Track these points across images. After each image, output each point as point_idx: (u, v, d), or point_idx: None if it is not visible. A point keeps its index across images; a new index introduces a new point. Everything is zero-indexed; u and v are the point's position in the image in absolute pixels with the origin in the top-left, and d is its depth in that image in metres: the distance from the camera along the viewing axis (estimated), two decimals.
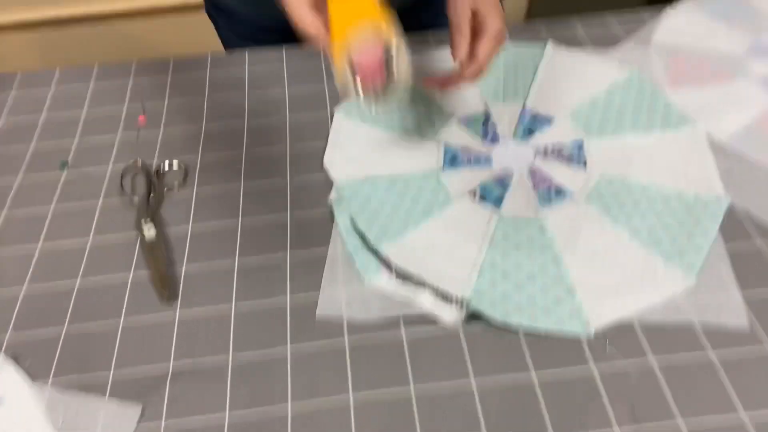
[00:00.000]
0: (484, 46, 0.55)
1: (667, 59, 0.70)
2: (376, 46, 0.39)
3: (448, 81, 0.59)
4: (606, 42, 0.73)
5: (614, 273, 0.52)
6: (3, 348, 0.51)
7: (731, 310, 0.50)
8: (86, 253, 0.57)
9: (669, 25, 0.74)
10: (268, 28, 0.78)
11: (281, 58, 0.75)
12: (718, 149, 0.61)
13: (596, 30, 0.75)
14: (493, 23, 0.55)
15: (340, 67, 0.39)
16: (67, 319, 0.52)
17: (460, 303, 0.51)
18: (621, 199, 0.57)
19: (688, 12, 0.75)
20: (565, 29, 0.75)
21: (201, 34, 1.67)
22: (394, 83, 0.40)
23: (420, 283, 0.52)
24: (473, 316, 0.50)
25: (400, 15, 0.67)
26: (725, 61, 0.69)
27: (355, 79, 0.39)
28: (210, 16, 0.87)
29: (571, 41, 0.74)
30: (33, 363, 0.49)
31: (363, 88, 0.40)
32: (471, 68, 0.56)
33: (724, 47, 0.71)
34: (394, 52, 0.39)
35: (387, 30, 0.39)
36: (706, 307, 0.50)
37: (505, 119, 0.65)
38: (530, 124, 0.65)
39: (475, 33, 0.55)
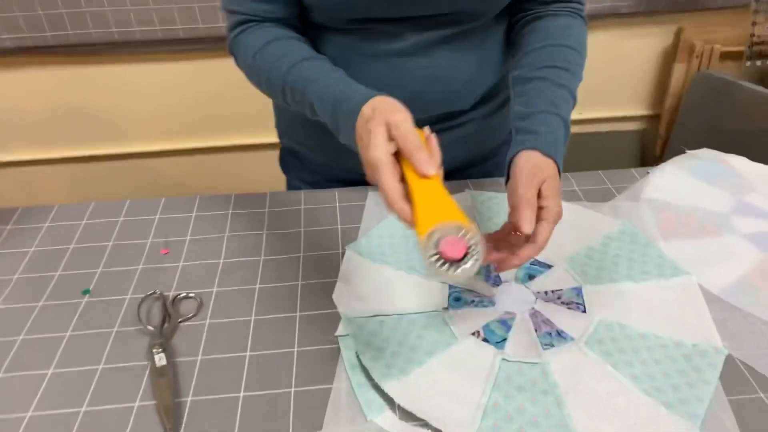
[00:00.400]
0: (545, 229, 0.57)
1: (657, 214, 0.75)
2: (462, 243, 0.46)
3: (506, 261, 0.58)
4: (598, 197, 0.80)
5: (617, 420, 0.52)
6: None
7: None
8: (95, 379, 0.58)
9: (656, 183, 0.80)
10: (336, 179, 0.85)
11: (300, 200, 0.81)
12: (712, 300, 0.64)
13: (589, 185, 0.82)
14: (555, 206, 0.57)
15: (424, 246, 0.46)
16: None
17: None
18: (620, 345, 0.59)
19: (672, 171, 0.82)
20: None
21: (225, 173, 1.79)
22: (467, 269, 0.47)
23: (423, 424, 0.52)
24: None
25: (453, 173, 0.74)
26: (712, 218, 0.74)
27: (436, 259, 0.46)
28: (282, 163, 0.95)
29: (566, 195, 0.80)
30: None
31: (440, 269, 0.47)
32: (529, 249, 0.57)
33: (709, 205, 0.76)
34: (473, 249, 0.47)
35: (472, 231, 0.47)
36: None
37: None
38: (530, 270, 0.68)
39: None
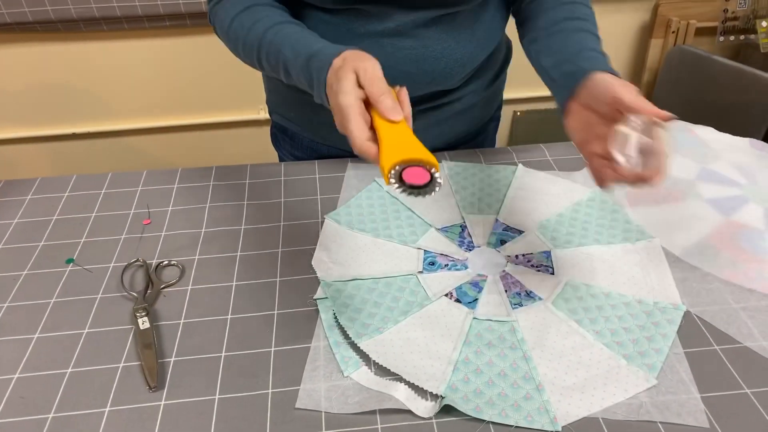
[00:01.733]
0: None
1: None
2: (424, 171, 0.49)
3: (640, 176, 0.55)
4: (570, 166, 0.82)
5: (580, 372, 0.55)
6: None
7: (692, 410, 0.52)
8: (81, 342, 0.60)
9: None
10: (324, 156, 0.87)
11: (280, 172, 0.82)
12: (673, 261, 0.67)
13: (561, 155, 0.84)
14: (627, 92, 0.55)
15: (388, 178, 0.49)
16: (55, 406, 0.54)
17: (435, 397, 0.53)
18: (586, 303, 0.62)
19: None
20: (534, 154, 0.84)
21: (207, 150, 1.79)
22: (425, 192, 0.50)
23: (397, 378, 0.55)
24: (446, 408, 0.52)
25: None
26: (677, 184, 0.77)
27: (401, 190, 0.49)
28: (273, 139, 0.96)
29: (539, 164, 0.82)
30: None
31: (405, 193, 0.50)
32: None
33: (675, 173, 0.79)
34: (435, 175, 0.50)
35: (433, 164, 0.50)
36: (668, 407, 0.53)
37: (479, 229, 0.71)
38: (502, 235, 0.71)
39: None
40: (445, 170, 0.81)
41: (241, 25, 0.68)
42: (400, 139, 0.51)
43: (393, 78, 0.56)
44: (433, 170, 0.49)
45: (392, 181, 0.49)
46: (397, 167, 0.49)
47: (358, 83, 0.53)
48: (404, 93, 0.55)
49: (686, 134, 0.87)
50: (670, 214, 0.73)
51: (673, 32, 1.61)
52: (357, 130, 0.51)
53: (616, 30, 1.70)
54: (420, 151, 0.50)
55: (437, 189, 0.49)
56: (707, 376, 0.55)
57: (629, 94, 0.54)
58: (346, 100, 0.52)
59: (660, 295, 0.63)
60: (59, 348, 0.59)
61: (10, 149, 1.72)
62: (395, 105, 0.52)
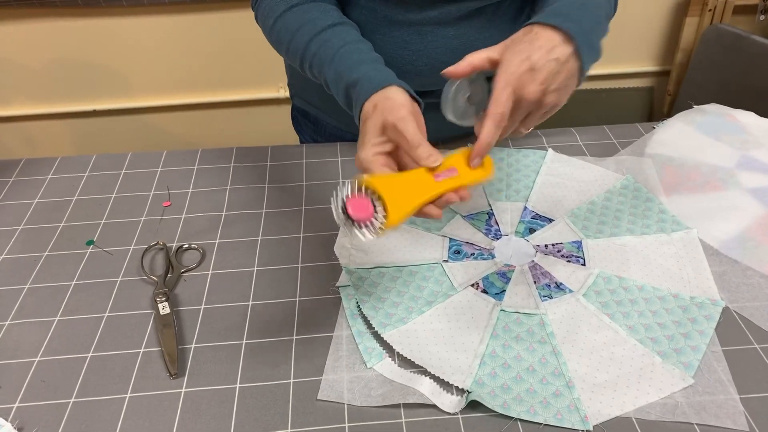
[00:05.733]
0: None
1: (661, 168, 0.75)
2: (364, 201, 0.48)
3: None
4: (602, 152, 0.79)
5: (612, 369, 0.53)
6: (10, 417, 0.51)
7: (730, 412, 0.50)
8: (101, 327, 0.59)
9: (661, 138, 0.79)
10: (350, 141, 0.84)
11: (301, 154, 0.80)
12: (711, 254, 0.64)
13: (593, 140, 0.81)
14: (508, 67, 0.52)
15: (336, 212, 0.48)
16: (76, 390, 0.53)
17: (461, 392, 0.52)
18: (618, 296, 0.59)
19: (678, 126, 0.81)
20: (564, 138, 0.81)
21: (229, 128, 1.78)
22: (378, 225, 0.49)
23: (421, 371, 0.53)
24: (472, 403, 0.51)
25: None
26: (716, 172, 0.74)
27: (348, 222, 0.48)
28: (294, 122, 0.95)
29: (570, 149, 0.79)
30: None
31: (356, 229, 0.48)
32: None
33: (713, 160, 0.76)
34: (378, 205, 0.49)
35: (372, 186, 0.49)
36: (705, 408, 0.50)
37: (507, 217, 0.69)
38: (531, 223, 0.68)
39: None
40: None
41: (285, 28, 0.66)
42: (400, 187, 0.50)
43: (431, 67, 0.54)
44: (380, 218, 0.48)
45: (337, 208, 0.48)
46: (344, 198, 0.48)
47: (385, 137, 0.53)
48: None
49: (725, 119, 0.83)
50: (708, 203, 0.70)
51: (709, 10, 1.54)
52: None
53: (648, 8, 1.64)
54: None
55: (368, 234, 0.47)
56: (747, 376, 0.53)
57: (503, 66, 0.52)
58: (365, 156, 0.52)
59: (697, 290, 0.60)
60: (80, 332, 0.59)
61: (31, 125, 1.73)
62: (429, 152, 0.51)
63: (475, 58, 0.54)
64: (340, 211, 0.47)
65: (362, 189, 0.48)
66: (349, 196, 0.47)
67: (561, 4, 0.57)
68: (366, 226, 0.47)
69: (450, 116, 0.55)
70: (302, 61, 0.65)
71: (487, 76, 0.55)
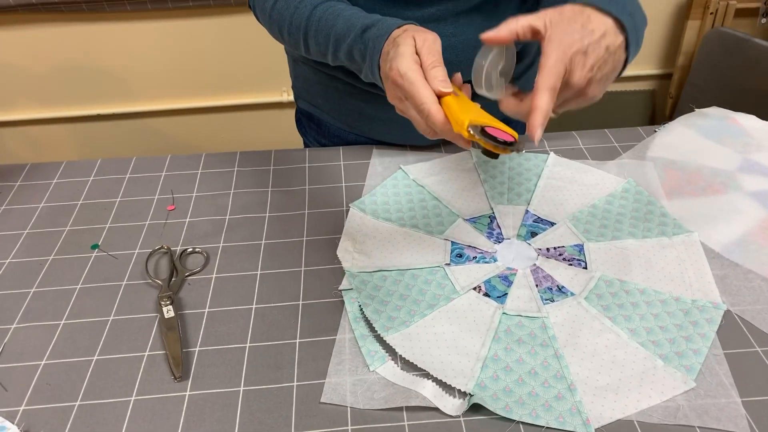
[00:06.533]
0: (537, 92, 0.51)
1: (662, 172, 0.75)
2: (507, 134, 0.48)
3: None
4: (604, 155, 0.79)
5: (614, 372, 0.53)
6: (16, 420, 0.52)
7: (732, 415, 0.50)
8: (106, 330, 0.59)
9: (662, 141, 0.80)
10: (352, 143, 0.85)
11: (304, 158, 0.81)
12: (713, 257, 0.64)
13: (595, 143, 0.81)
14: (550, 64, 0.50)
15: (465, 133, 0.47)
16: (81, 393, 0.54)
17: (463, 395, 0.52)
18: (620, 300, 0.60)
19: (680, 130, 0.82)
20: (566, 142, 0.81)
21: (229, 130, 1.79)
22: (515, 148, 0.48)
23: (424, 374, 0.53)
24: (475, 406, 0.51)
25: None
26: (717, 176, 0.74)
27: (486, 143, 0.47)
28: (298, 125, 0.95)
29: (571, 153, 0.79)
30: None
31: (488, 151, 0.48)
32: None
33: (715, 163, 0.76)
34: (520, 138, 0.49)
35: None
36: (707, 411, 0.50)
37: (509, 221, 0.69)
38: (533, 227, 0.69)
39: None
40: (473, 158, 0.78)
41: (287, 4, 0.66)
42: (469, 109, 0.49)
43: None
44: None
45: (473, 133, 0.46)
46: (474, 126, 0.47)
47: (416, 50, 0.52)
48: (458, 77, 0.54)
49: (726, 122, 0.83)
50: (710, 207, 0.70)
51: (711, 13, 1.55)
52: (424, 90, 0.49)
53: (649, 10, 1.63)
54: (495, 122, 0.48)
55: (524, 150, 0.47)
56: (748, 379, 0.53)
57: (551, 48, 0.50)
58: (405, 63, 0.50)
59: (698, 293, 0.60)
60: (85, 335, 0.59)
61: (36, 130, 1.74)
62: (446, 78, 0.50)
63: (518, 26, 0.51)
64: (492, 143, 0.47)
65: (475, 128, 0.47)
66: (477, 135, 0.47)
67: None
68: (513, 144, 0.47)
69: (481, 88, 0.54)
70: (306, 28, 0.64)
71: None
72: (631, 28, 0.52)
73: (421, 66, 0.51)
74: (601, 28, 0.51)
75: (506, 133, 0.48)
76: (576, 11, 0.52)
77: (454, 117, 0.48)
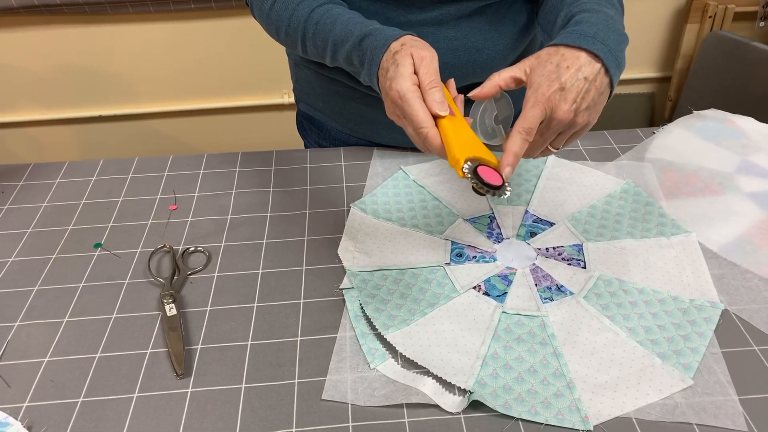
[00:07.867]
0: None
1: (661, 173, 0.76)
2: (496, 175, 0.51)
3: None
4: (603, 156, 0.80)
5: (612, 370, 0.54)
6: (19, 416, 0.52)
7: (729, 412, 0.51)
8: (109, 328, 0.60)
9: (661, 143, 0.80)
10: (354, 146, 0.86)
11: (305, 159, 0.81)
12: (710, 257, 0.65)
13: (594, 145, 0.82)
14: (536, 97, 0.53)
15: (460, 172, 0.49)
16: (84, 390, 0.54)
17: (463, 392, 0.52)
18: (618, 299, 0.60)
19: (678, 131, 0.82)
20: None
21: (230, 132, 1.80)
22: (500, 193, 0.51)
23: (424, 372, 0.54)
24: (474, 404, 0.52)
25: None
26: (715, 177, 0.75)
27: (476, 184, 0.49)
28: (299, 127, 0.95)
29: (571, 154, 0.80)
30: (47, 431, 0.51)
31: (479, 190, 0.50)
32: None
33: (713, 165, 0.76)
34: (507, 183, 0.51)
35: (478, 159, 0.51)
36: (704, 408, 0.51)
37: (508, 221, 0.70)
38: (532, 227, 0.69)
39: None
40: None
41: (285, 6, 0.67)
42: (464, 135, 0.51)
43: None
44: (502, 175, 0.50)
45: (467, 174, 0.48)
46: (469, 162, 0.49)
47: (414, 69, 0.53)
48: (452, 84, 0.55)
49: (725, 125, 0.84)
50: (708, 208, 0.71)
51: (709, 17, 1.56)
52: (423, 114, 0.51)
53: (648, 14, 1.65)
54: (488, 153, 0.51)
55: (507, 194, 0.49)
56: (746, 377, 0.53)
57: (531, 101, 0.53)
58: (405, 85, 0.52)
59: (696, 293, 0.61)
60: (88, 332, 0.59)
61: (38, 131, 1.75)
62: (444, 101, 0.52)
63: (500, 79, 0.55)
64: (481, 185, 0.49)
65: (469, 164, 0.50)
66: (470, 175, 0.49)
67: (583, 26, 0.56)
68: (500, 188, 0.50)
69: (479, 137, 0.56)
70: (305, 30, 0.65)
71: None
72: (605, 54, 0.54)
73: (419, 86, 0.53)
74: (575, 63, 0.53)
75: (495, 173, 0.50)
76: (550, 53, 0.55)
77: (451, 150, 0.50)
